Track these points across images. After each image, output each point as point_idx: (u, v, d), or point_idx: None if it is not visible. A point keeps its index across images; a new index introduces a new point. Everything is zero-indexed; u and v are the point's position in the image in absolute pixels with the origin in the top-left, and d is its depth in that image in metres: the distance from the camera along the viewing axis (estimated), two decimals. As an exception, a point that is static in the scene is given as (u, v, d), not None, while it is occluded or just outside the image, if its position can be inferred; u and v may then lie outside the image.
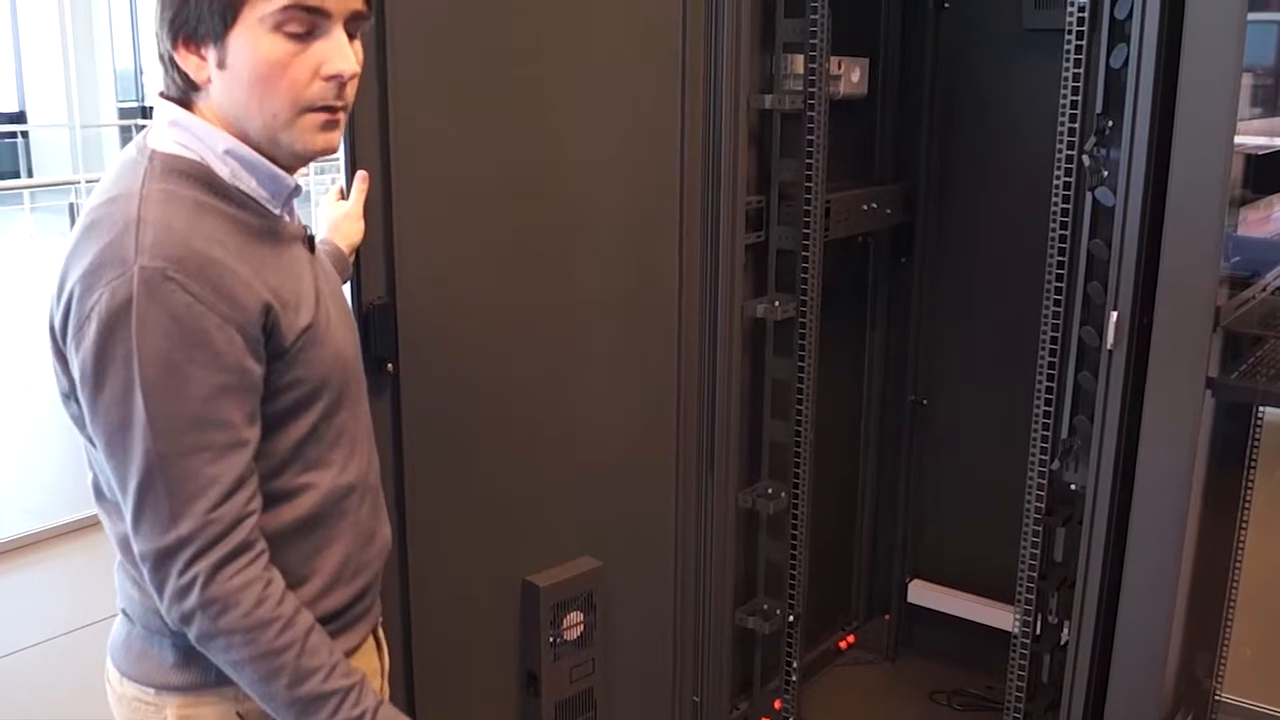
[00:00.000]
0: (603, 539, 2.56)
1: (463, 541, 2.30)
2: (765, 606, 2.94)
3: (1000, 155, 3.15)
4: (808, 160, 2.70)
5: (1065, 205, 2.28)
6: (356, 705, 1.35)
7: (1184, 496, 2.14)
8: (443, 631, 2.28)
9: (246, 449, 1.30)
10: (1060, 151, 2.26)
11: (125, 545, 1.35)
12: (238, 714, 1.42)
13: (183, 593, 1.27)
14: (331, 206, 1.96)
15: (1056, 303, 2.32)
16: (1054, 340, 2.34)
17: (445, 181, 2.15)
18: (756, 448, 2.92)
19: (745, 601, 2.96)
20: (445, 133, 2.13)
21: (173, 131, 1.35)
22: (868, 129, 3.24)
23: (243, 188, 1.36)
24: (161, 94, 1.38)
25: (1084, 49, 2.20)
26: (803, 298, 2.77)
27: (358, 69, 1.36)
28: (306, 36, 1.31)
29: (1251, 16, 1.97)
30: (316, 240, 1.54)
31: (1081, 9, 2.19)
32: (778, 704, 3.01)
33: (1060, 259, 2.30)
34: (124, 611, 1.47)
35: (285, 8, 1.28)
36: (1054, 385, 2.36)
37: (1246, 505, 2.84)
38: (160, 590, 1.29)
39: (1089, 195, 2.24)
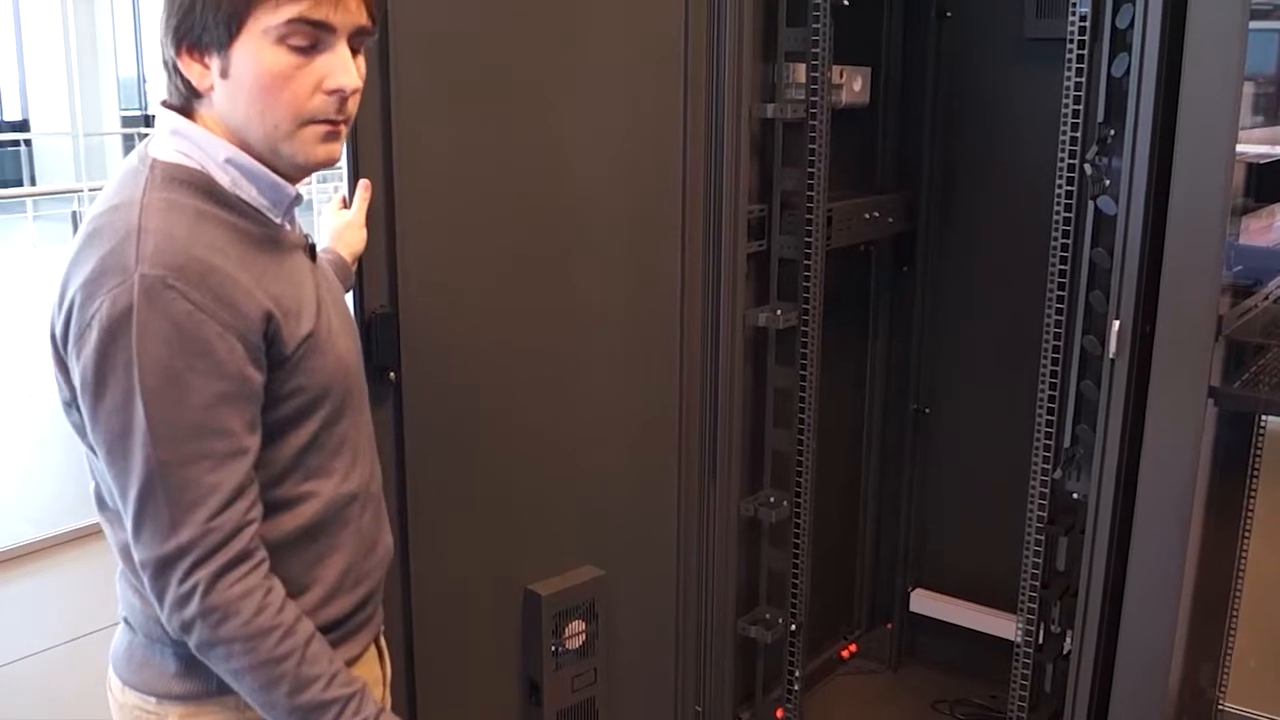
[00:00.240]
0: (605, 548, 2.56)
1: (465, 550, 2.30)
2: (767, 615, 2.94)
3: (1002, 164, 3.15)
4: (810, 169, 2.70)
5: (1067, 214, 2.28)
6: (358, 714, 1.35)
7: (1186, 505, 2.14)
8: (445, 640, 2.28)
9: (247, 457, 1.30)
10: (1062, 160, 2.26)
11: (127, 554, 1.35)
12: (239, 723, 1.42)
13: (183, 601, 1.27)
14: (334, 215, 1.96)
15: (1059, 311, 2.32)
16: (1056, 349, 2.34)
17: (448, 190, 2.15)
18: (758, 456, 2.91)
19: (747, 610, 2.95)
20: (448, 142, 2.13)
21: (174, 140, 1.35)
22: (870, 138, 3.25)
23: (244, 196, 1.36)
24: (164, 103, 1.39)
25: (1086, 58, 2.21)
26: (805, 306, 2.77)
27: (360, 84, 1.37)
28: (310, 50, 1.31)
29: (1253, 25, 1.97)
30: (319, 249, 1.54)
31: (1083, 18, 2.20)
32: (780, 713, 3.00)
33: (1062, 267, 2.30)
34: (125, 620, 1.47)
35: (290, 21, 1.28)
36: (1056, 394, 2.35)
37: (1249, 514, 2.83)
38: (161, 598, 1.29)
39: (1091, 204, 2.24)
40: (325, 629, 1.41)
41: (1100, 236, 2.23)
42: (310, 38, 1.31)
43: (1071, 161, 2.25)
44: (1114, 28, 2.15)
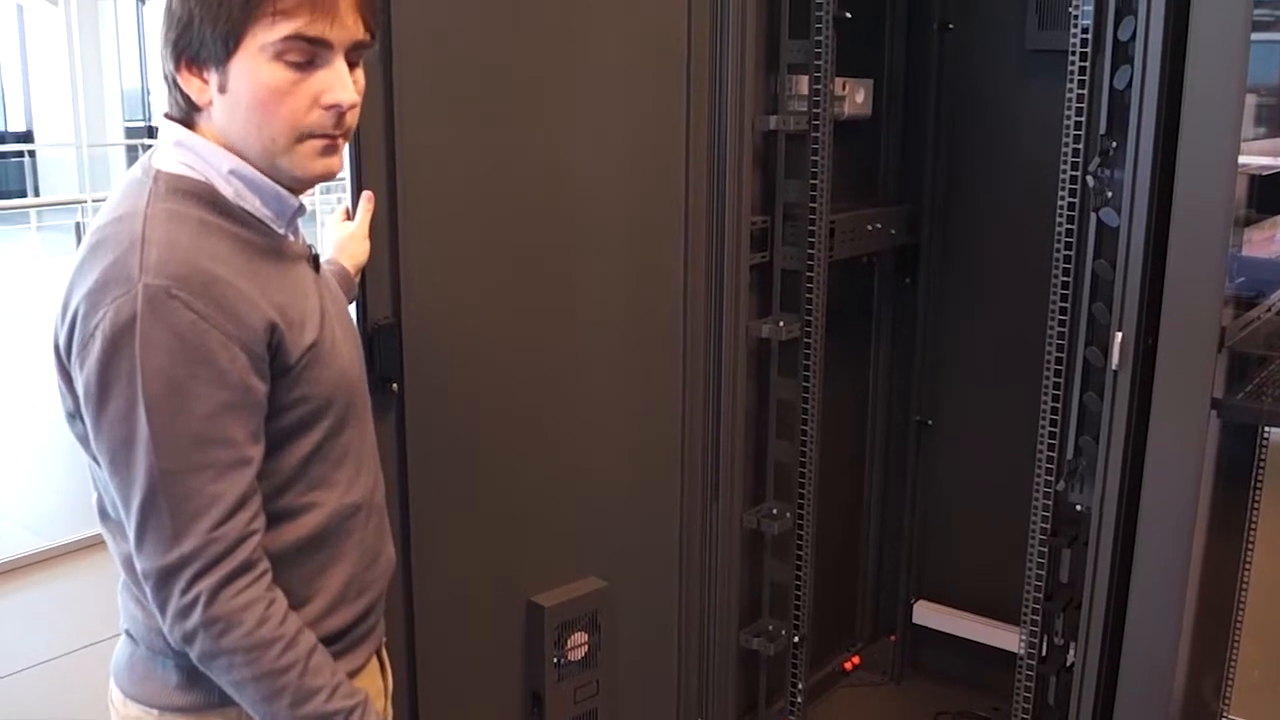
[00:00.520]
0: (607, 559, 2.56)
1: (467, 561, 2.30)
2: (770, 627, 2.94)
3: (1004, 176, 3.15)
4: (812, 181, 2.71)
5: (1070, 226, 2.28)
6: (359, 725, 1.35)
7: (1190, 517, 2.13)
8: (447, 652, 2.28)
9: (250, 467, 1.30)
10: (1064, 172, 2.26)
11: (129, 565, 1.35)
12: (240, 735, 1.42)
13: (185, 612, 1.27)
14: (337, 227, 1.97)
15: (1061, 323, 2.32)
16: (1059, 361, 2.34)
17: (451, 202, 2.15)
18: (761, 468, 2.91)
19: (750, 622, 2.95)
20: (451, 153, 2.14)
21: (177, 152, 1.36)
22: (872, 150, 3.25)
23: (247, 207, 1.36)
24: (166, 114, 1.39)
25: (1088, 70, 2.21)
26: (807, 318, 2.77)
27: (357, 99, 1.37)
28: (307, 66, 1.31)
29: (1255, 37, 1.97)
30: (322, 260, 1.54)
31: (1085, 30, 2.20)
32: (782, 725, 3.00)
33: (1065, 279, 2.30)
34: (127, 632, 1.46)
35: (286, 38, 1.29)
36: (1059, 406, 2.35)
37: (1252, 526, 2.83)
38: (163, 609, 1.29)
39: (1093, 216, 2.24)
40: (327, 640, 1.41)
41: (1103, 248, 2.23)
42: (307, 54, 1.31)
43: (1074, 173, 2.25)
44: (1116, 40, 2.16)
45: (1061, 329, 2.32)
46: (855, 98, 2.97)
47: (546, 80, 2.29)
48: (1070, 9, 2.21)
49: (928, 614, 3.48)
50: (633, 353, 2.55)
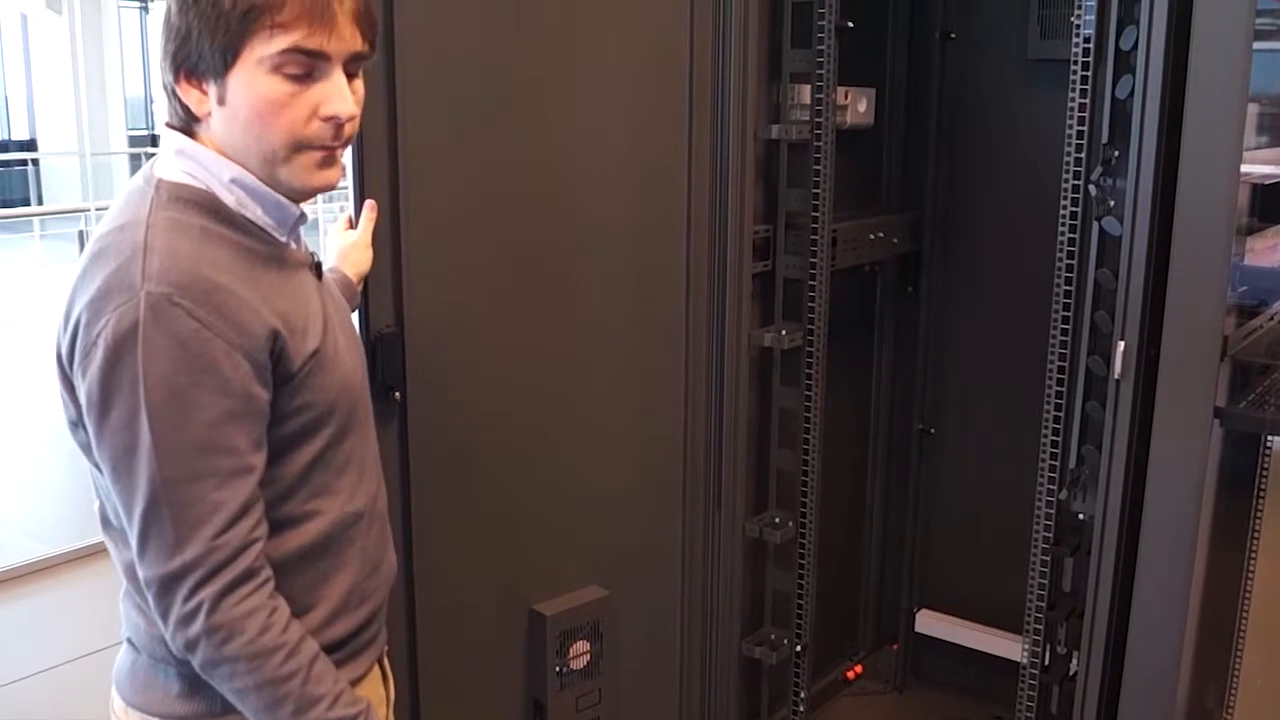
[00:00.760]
0: (610, 568, 2.56)
1: (469, 570, 2.30)
2: (772, 636, 2.93)
3: (1006, 185, 3.15)
4: (814, 189, 2.71)
5: (1072, 235, 2.28)
6: (361, 733, 1.35)
7: (1193, 526, 2.13)
8: (449, 660, 2.28)
9: (252, 475, 1.30)
10: (1067, 181, 2.26)
11: (131, 573, 1.35)
12: (242, 743, 1.42)
13: (187, 619, 1.27)
14: (340, 235, 1.97)
15: (1064, 332, 2.32)
16: (1061, 370, 2.34)
17: (454, 211, 2.15)
18: (763, 477, 2.91)
19: (752, 631, 2.95)
20: (453, 162, 2.14)
21: (179, 160, 1.36)
22: (874, 158, 3.25)
23: (249, 215, 1.37)
24: (167, 123, 1.39)
25: (1090, 79, 2.21)
26: (810, 326, 2.77)
27: (356, 111, 1.37)
28: (305, 78, 1.32)
29: (1256, 46, 1.98)
30: (325, 268, 1.54)
31: (1087, 40, 2.20)
32: (785, 735, 3.00)
33: (1067, 288, 2.30)
34: (129, 640, 1.46)
35: (284, 51, 1.29)
36: (1062, 415, 2.35)
37: (1255, 534, 2.82)
38: (165, 617, 1.29)
39: (1095, 225, 2.24)
40: (329, 648, 1.41)
41: (1105, 257, 2.24)
42: (305, 66, 1.31)
43: (1076, 182, 2.26)
44: (1118, 49, 2.16)
45: (1064, 337, 2.32)
46: (857, 107, 2.97)
47: (549, 92, 2.29)
48: (1072, 18, 2.22)
49: (930, 623, 3.47)
50: (635, 361, 2.56)
